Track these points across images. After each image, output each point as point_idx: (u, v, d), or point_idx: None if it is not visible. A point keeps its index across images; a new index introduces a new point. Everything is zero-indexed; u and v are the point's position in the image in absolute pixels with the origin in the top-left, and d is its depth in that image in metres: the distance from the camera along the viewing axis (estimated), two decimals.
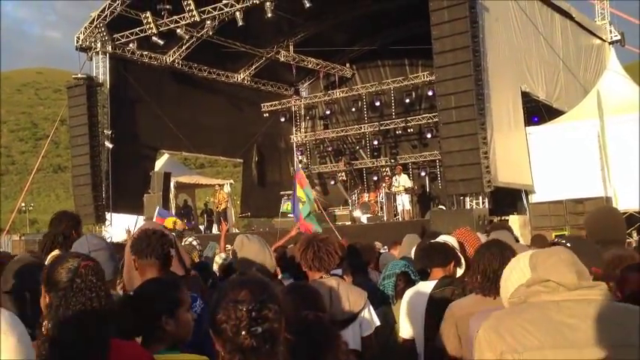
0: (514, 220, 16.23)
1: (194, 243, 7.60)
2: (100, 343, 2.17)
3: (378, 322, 3.98)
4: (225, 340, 1.91)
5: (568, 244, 2.89)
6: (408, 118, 25.45)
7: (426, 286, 4.31)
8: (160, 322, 2.63)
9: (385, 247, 9.59)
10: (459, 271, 4.38)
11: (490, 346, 2.04)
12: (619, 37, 23.76)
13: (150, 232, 3.49)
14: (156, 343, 2.62)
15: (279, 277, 5.20)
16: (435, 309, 3.97)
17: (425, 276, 4.63)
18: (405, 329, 4.43)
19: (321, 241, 3.93)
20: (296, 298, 2.80)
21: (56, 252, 4.34)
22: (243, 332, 1.89)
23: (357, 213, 23.14)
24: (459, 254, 4.41)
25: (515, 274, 2.20)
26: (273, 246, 5.71)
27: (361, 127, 27.02)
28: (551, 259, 2.12)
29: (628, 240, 9.26)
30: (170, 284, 2.88)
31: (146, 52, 23.13)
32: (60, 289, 2.28)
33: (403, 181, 21.49)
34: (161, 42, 21.84)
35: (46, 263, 3.88)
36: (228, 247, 7.02)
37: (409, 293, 4.51)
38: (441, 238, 4.59)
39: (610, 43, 23.60)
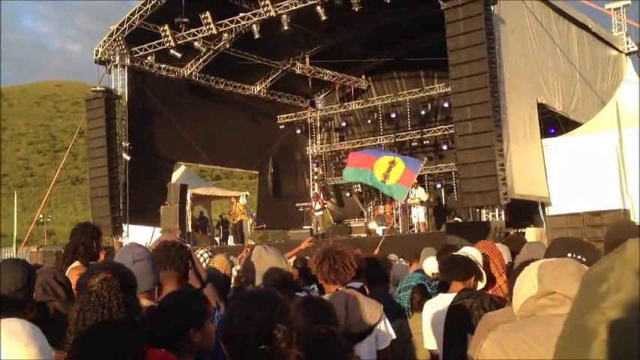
0: (530, 233, 16.09)
1: (205, 255, 7.60)
2: (117, 355, 2.18)
3: (394, 336, 3.97)
4: (234, 354, 1.93)
5: (579, 257, 2.84)
6: (424, 130, 25.41)
7: (445, 299, 4.29)
8: (188, 334, 2.63)
9: (401, 259, 9.57)
10: (480, 285, 4.34)
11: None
12: (636, 48, 23.59)
13: (169, 245, 3.52)
14: (184, 354, 2.63)
15: (303, 289, 5.20)
16: (453, 321, 3.96)
17: (444, 288, 4.60)
18: (430, 341, 4.42)
19: (337, 254, 3.91)
20: (308, 312, 2.79)
21: (77, 263, 4.40)
22: (251, 349, 1.90)
23: (372, 225, 23.11)
24: (481, 268, 4.36)
25: (526, 284, 2.14)
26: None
27: (377, 139, 26.99)
28: (558, 271, 2.07)
29: None
30: (196, 296, 2.90)
31: (164, 65, 23.34)
32: (78, 303, 2.31)
33: (419, 193, 21.43)
34: (179, 55, 22.04)
35: (67, 274, 3.93)
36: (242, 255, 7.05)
37: (429, 305, 4.50)
38: (464, 251, 4.53)
39: (627, 54, 23.45)
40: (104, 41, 22.23)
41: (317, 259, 3.96)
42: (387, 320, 3.96)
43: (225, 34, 21.27)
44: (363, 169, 13.69)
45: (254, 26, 20.27)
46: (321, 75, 26.40)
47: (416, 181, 23.00)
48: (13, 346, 1.60)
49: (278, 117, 27.76)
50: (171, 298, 2.86)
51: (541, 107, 18.22)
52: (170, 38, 21.14)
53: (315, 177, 29.05)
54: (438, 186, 24.94)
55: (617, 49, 23.31)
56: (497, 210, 16.40)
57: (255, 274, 4.16)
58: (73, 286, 3.29)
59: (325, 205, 24.18)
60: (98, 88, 22.20)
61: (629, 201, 15.94)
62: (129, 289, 2.48)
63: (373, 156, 13.96)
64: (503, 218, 16.39)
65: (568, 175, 17.12)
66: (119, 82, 22.62)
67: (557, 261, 2.19)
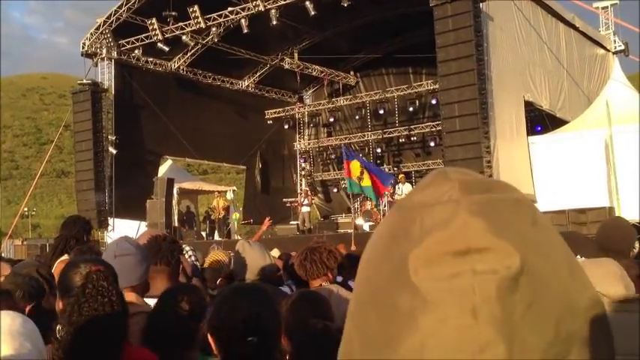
0: None
1: (190, 251, 7.57)
2: (112, 348, 2.16)
3: None
4: (221, 346, 1.91)
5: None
6: (412, 127, 25.46)
7: None
8: (199, 328, 2.61)
9: None
10: None
11: None
12: (623, 47, 23.78)
13: (160, 239, 3.50)
14: (194, 348, 2.60)
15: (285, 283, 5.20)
16: None
17: None
18: None
19: (311, 250, 3.96)
20: (304, 305, 2.79)
21: (65, 257, 4.36)
22: (238, 341, 1.89)
23: (359, 221, 23.10)
24: None
25: None
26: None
27: (365, 135, 27.03)
28: (600, 270, 2.10)
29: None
30: (197, 289, 2.89)
31: (151, 59, 23.20)
32: (72, 295, 2.28)
33: (406, 189, 21.46)
34: (166, 48, 21.91)
35: (54, 268, 3.89)
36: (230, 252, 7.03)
37: None
38: None
39: (614, 53, 23.61)
40: (91, 34, 22.06)
41: (299, 255, 4.04)
42: None
43: (214, 28, 21.17)
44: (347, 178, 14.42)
45: (243, 20, 20.20)
46: (310, 70, 26.37)
47: (403, 175, 23.12)
48: (10, 344, 1.58)
49: (266, 112, 27.70)
50: (174, 291, 2.82)
51: (528, 105, 18.32)
52: (158, 31, 21.02)
53: (303, 172, 29.05)
54: None
55: (605, 48, 23.46)
56: None
57: (246, 269, 4.15)
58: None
59: (313, 201, 24.18)
60: (85, 81, 22.04)
61: (615, 198, 16.06)
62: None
63: (349, 160, 14.50)
64: None
65: (554, 172, 17.21)
66: (106, 75, 22.46)
67: (598, 261, 2.21)
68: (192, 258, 7.80)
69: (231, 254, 7.24)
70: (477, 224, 0.55)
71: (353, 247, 10.83)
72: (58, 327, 2.24)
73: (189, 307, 2.62)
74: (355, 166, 14.39)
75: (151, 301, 3.33)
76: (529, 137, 18.08)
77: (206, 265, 6.43)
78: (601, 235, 4.57)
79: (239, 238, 22.13)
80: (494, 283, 0.54)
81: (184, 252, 7.36)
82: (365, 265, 0.64)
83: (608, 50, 23.60)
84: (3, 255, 20.33)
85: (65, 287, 2.33)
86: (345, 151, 16.46)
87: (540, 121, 19.86)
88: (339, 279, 4.94)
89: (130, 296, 2.91)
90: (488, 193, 0.59)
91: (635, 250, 4.62)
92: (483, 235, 0.55)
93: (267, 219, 8.85)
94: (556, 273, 0.58)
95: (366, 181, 14.28)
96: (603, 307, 0.61)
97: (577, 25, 21.43)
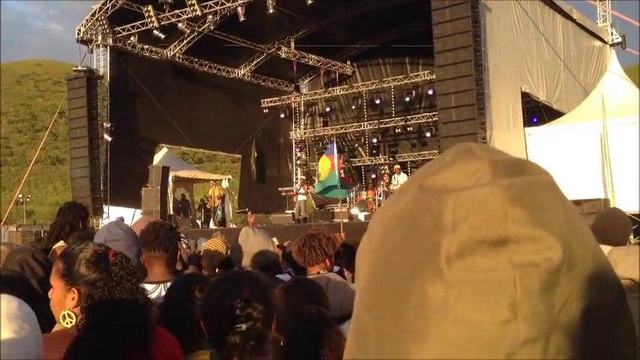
0: None
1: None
2: (146, 331, 2.14)
3: None
4: (211, 333, 1.91)
5: None
6: (408, 117, 25.44)
7: None
8: None
9: None
10: None
11: None
12: (620, 40, 23.77)
13: (158, 225, 3.50)
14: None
15: (284, 271, 5.21)
16: None
17: None
18: None
19: (309, 237, 3.97)
20: (299, 292, 2.79)
21: (61, 243, 4.34)
22: (227, 328, 1.89)
23: (354, 210, 23.11)
24: None
25: None
26: None
27: (361, 125, 27.01)
28: (633, 258, 2.09)
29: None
30: (205, 278, 2.88)
31: (147, 46, 23.10)
32: (97, 280, 2.24)
33: (402, 179, 21.47)
34: (162, 36, 21.82)
35: (50, 254, 3.87)
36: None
37: None
38: None
39: (611, 46, 23.60)
40: (86, 20, 21.93)
41: (297, 243, 4.03)
42: None
43: (210, 16, 21.08)
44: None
45: (239, 8, 20.11)
46: (306, 60, 26.29)
47: (398, 167, 23.12)
48: (8, 326, 1.56)
49: (262, 101, 27.63)
50: (184, 281, 2.80)
51: (524, 96, 18.30)
52: (154, 19, 20.90)
53: (299, 162, 29.04)
54: None
55: (602, 40, 23.45)
56: None
57: (243, 256, 4.14)
58: None
59: (309, 190, 24.16)
60: (80, 68, 21.92)
61: (610, 190, 16.10)
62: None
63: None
64: None
65: (550, 164, 16.94)
66: (101, 62, 22.35)
67: (629, 248, 2.20)
68: (184, 246, 7.80)
69: (229, 243, 7.26)
70: (516, 212, 0.51)
71: (342, 236, 10.84)
72: (64, 313, 2.22)
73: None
74: (325, 162, 14.41)
75: (149, 287, 3.32)
76: (525, 128, 18.09)
77: (202, 252, 6.45)
78: (597, 225, 4.58)
79: (234, 226, 22.17)
80: (536, 276, 0.50)
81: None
82: (379, 251, 0.59)
83: (606, 42, 23.60)
84: (1, 240, 20.31)
85: (77, 274, 2.29)
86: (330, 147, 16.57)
87: (537, 113, 19.86)
88: (336, 269, 4.95)
89: None
90: (522, 176, 0.55)
91: (631, 241, 4.63)
92: (524, 223, 0.52)
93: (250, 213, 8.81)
94: (590, 262, 0.54)
95: (324, 173, 14.33)
96: (625, 295, 0.57)
97: (574, 17, 21.40)
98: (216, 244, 6.22)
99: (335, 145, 16.90)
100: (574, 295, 0.51)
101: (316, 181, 14.41)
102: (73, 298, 2.27)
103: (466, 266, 0.51)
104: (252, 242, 4.14)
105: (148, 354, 2.09)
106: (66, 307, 2.27)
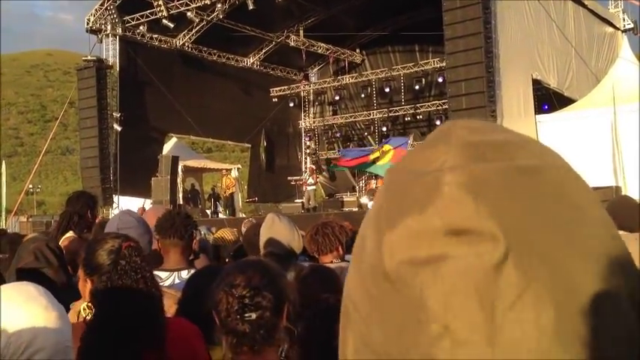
0: None
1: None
2: (151, 323, 2.13)
3: None
4: (221, 322, 1.92)
5: None
6: (418, 105, 25.36)
7: None
8: None
9: None
10: None
11: None
12: (632, 26, 23.52)
13: (174, 213, 3.52)
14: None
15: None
16: None
17: None
18: None
19: (322, 225, 4.00)
20: (316, 280, 2.78)
21: (70, 233, 4.35)
22: (236, 317, 1.88)
23: (364, 199, 23.08)
24: None
25: None
26: None
27: (370, 113, 26.94)
28: (631, 247, 2.06)
29: None
30: (219, 270, 2.87)
31: (156, 35, 23.09)
32: (104, 272, 2.24)
33: None
34: (171, 25, 21.80)
35: (60, 243, 3.88)
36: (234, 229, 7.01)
37: None
38: None
39: (623, 32, 23.37)
40: (96, 10, 21.93)
41: (308, 232, 4.06)
42: None
43: (219, 5, 21.03)
44: (362, 163, 14.35)
45: None
46: (315, 48, 26.20)
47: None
48: (34, 309, 1.59)
49: (271, 90, 27.60)
50: (205, 273, 2.78)
51: (535, 83, 18.17)
52: (163, 8, 20.89)
53: (308, 151, 29.02)
54: None
55: (614, 26, 23.22)
56: None
57: (258, 244, 4.12)
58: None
59: (318, 180, 24.15)
60: (89, 58, 21.95)
61: (621, 177, 16.00)
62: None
63: (365, 155, 14.53)
64: None
65: (561, 151, 16.93)
66: (110, 51, 22.37)
67: (628, 235, 2.15)
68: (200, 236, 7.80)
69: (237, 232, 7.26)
70: (461, 201, 0.47)
71: (347, 224, 10.84)
72: (84, 306, 2.22)
73: None
74: (374, 153, 14.29)
75: (164, 274, 3.32)
76: (537, 116, 17.98)
77: (210, 241, 6.45)
78: (609, 213, 4.54)
79: (243, 215, 22.19)
80: (472, 272, 0.45)
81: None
82: (357, 237, 0.56)
83: (617, 28, 23.36)
84: (8, 231, 20.40)
85: (93, 265, 2.29)
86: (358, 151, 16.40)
87: (548, 100, 19.73)
88: (349, 257, 4.93)
89: None
90: (486, 162, 0.49)
91: None
92: (467, 214, 0.47)
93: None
94: (557, 254, 0.47)
95: (386, 159, 14.26)
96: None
97: (586, 3, 21.19)
98: (225, 233, 6.21)
99: (409, 140, 16.49)
100: (529, 294, 0.45)
101: (372, 159, 14.16)
102: (90, 290, 2.28)
103: (403, 259, 0.48)
104: (278, 229, 4.12)
105: (160, 344, 2.08)
106: (86, 298, 2.27)
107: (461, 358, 0.45)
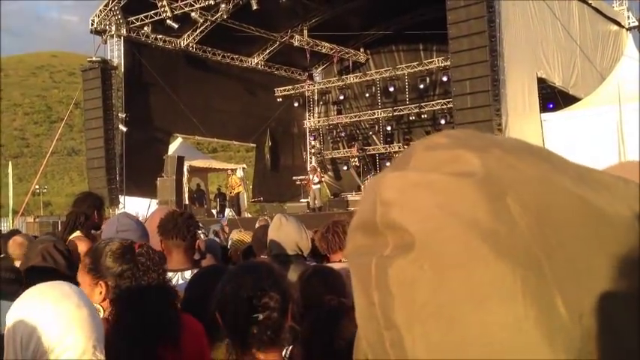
0: None
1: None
2: (174, 319, 2.17)
3: None
4: (227, 324, 1.92)
5: None
6: (422, 104, 25.32)
7: None
8: None
9: None
10: None
11: None
12: (637, 23, 23.44)
13: (177, 214, 3.52)
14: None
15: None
16: None
17: None
18: None
19: (333, 223, 4.00)
20: (319, 281, 2.78)
21: (78, 233, 4.38)
22: (243, 318, 1.89)
23: None
24: None
25: None
26: None
27: (374, 113, 26.92)
28: None
29: None
30: (221, 270, 2.90)
31: (160, 36, 23.13)
32: (124, 271, 2.27)
33: None
34: (175, 25, 21.82)
35: (67, 242, 3.90)
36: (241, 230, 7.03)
37: None
38: None
39: (628, 29, 23.29)
40: (100, 11, 21.98)
41: (320, 230, 4.06)
42: None
43: (223, 5, 21.04)
44: None
45: None
46: (320, 48, 26.20)
47: None
48: (68, 307, 1.66)
49: (275, 90, 27.60)
50: (206, 273, 2.80)
51: (540, 82, 18.12)
52: (167, 8, 20.92)
53: (313, 150, 29.02)
54: None
55: (619, 24, 23.15)
56: None
57: (267, 244, 4.13)
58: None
59: (322, 179, 24.15)
60: (94, 59, 22.01)
61: None
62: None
63: None
64: None
65: (566, 150, 16.96)
66: (115, 52, 22.41)
67: None
68: (201, 235, 7.83)
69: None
70: (387, 199, 0.50)
71: None
72: (104, 306, 2.25)
73: None
74: None
75: (167, 275, 3.34)
76: (542, 114, 17.93)
77: (229, 244, 6.48)
78: None
79: (249, 215, 22.22)
80: (388, 265, 0.48)
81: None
82: None
83: (622, 26, 23.29)
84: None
85: (103, 268, 2.31)
86: None
87: (552, 99, 19.67)
88: None
89: None
90: (404, 171, 0.51)
91: None
92: (386, 212, 0.49)
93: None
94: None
95: None
96: None
97: (590, 1, 21.13)
98: (242, 236, 6.25)
99: None
100: (440, 285, 0.47)
101: None
102: (101, 292, 2.31)
103: (349, 248, 0.53)
104: (285, 230, 4.12)
105: (177, 341, 2.11)
106: (94, 302, 2.30)
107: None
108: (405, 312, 0.47)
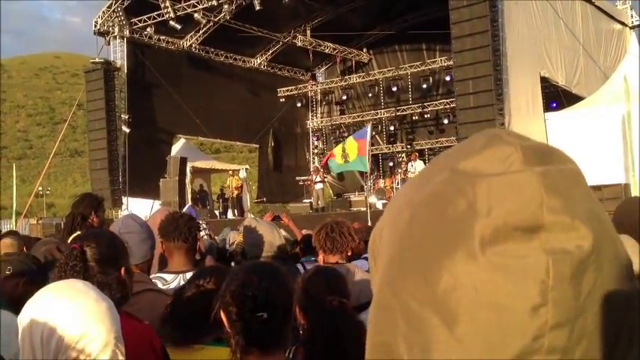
0: None
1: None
2: None
3: None
4: (232, 322, 1.92)
5: None
6: (425, 104, 25.32)
7: None
8: None
9: None
10: None
11: None
12: None
13: (177, 216, 3.51)
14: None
15: (303, 259, 5.18)
16: None
17: None
18: None
19: (336, 224, 3.95)
20: (320, 281, 2.77)
21: (78, 233, 4.37)
22: (248, 316, 1.89)
23: (372, 199, 23.08)
24: None
25: None
26: None
27: (377, 113, 26.91)
28: (629, 244, 2.06)
29: None
30: (224, 271, 2.88)
31: (163, 37, 23.16)
32: (55, 273, 2.30)
33: (419, 166, 21.36)
34: (178, 26, 21.85)
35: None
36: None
37: None
38: None
39: (631, 28, 23.25)
40: (103, 12, 22.02)
41: (316, 230, 4.01)
42: None
43: (226, 6, 21.06)
44: (331, 159, 14.45)
45: None
46: (322, 48, 26.20)
47: (416, 153, 23.01)
48: (86, 302, 1.71)
49: (278, 90, 27.62)
50: (204, 274, 2.78)
51: (543, 81, 18.10)
52: (170, 9, 20.94)
53: (316, 150, 29.02)
54: None
55: (622, 23, 23.10)
56: None
57: (258, 246, 4.12)
58: None
59: (325, 179, 24.15)
60: (97, 60, 22.04)
61: (631, 175, 15.90)
62: (108, 261, 2.40)
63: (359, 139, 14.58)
64: None
65: (570, 149, 16.45)
66: (118, 53, 22.44)
67: (625, 237, 2.14)
68: (205, 235, 7.84)
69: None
70: (551, 200, 0.53)
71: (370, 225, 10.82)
72: None
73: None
74: (337, 149, 14.49)
75: (168, 277, 3.33)
76: (545, 113, 17.91)
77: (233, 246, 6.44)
78: (619, 215, 4.50)
79: (251, 216, 22.22)
80: (568, 263, 0.51)
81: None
82: (407, 234, 0.58)
83: (625, 25, 23.24)
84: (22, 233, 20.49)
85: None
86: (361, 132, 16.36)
87: (556, 98, 19.65)
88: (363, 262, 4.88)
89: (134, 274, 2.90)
90: (554, 164, 0.56)
91: None
92: (558, 211, 0.53)
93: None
94: (612, 253, 0.55)
95: (352, 155, 14.32)
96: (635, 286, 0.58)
97: (593, 0, 21.10)
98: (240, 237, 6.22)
99: (369, 129, 16.60)
100: (598, 283, 0.53)
101: (336, 160, 14.29)
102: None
103: (500, 251, 0.52)
104: (258, 233, 4.13)
105: None
106: None
107: (552, 337, 0.51)
108: (576, 304, 0.53)
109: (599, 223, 0.55)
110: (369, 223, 11.00)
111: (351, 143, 14.84)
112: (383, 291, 0.59)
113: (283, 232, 5.10)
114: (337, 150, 14.46)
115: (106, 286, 2.15)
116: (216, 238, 7.73)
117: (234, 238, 6.49)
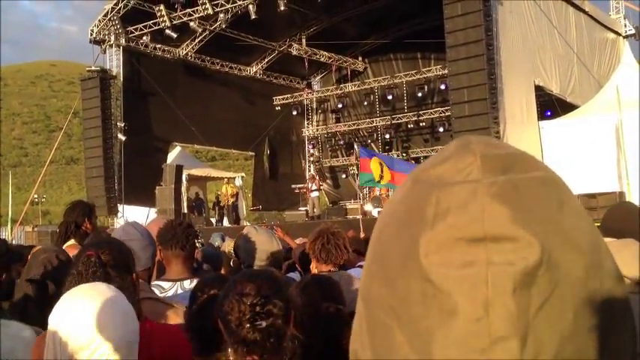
0: None
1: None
2: None
3: None
4: (230, 332, 1.92)
5: None
6: (420, 112, 25.37)
7: None
8: None
9: None
10: None
11: None
12: (633, 31, 23.54)
13: (175, 224, 3.50)
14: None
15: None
16: None
17: None
18: None
19: (332, 234, 3.90)
20: (316, 289, 2.79)
21: (72, 241, 4.39)
22: (247, 325, 1.89)
23: (368, 207, 23.09)
24: None
25: None
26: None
27: (373, 121, 26.96)
28: (627, 251, 2.05)
29: None
30: (224, 278, 2.90)
31: (159, 45, 23.18)
32: (67, 281, 2.33)
33: None
34: (174, 35, 21.88)
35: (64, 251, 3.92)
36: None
37: None
38: None
39: (624, 37, 23.38)
40: (99, 21, 22.04)
41: (312, 237, 3.97)
42: None
43: (222, 15, 21.10)
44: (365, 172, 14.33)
45: (250, 6, 20.12)
46: (318, 56, 26.27)
47: (413, 162, 23.04)
48: (101, 305, 1.77)
49: (274, 98, 27.65)
50: (208, 282, 2.80)
51: (538, 89, 18.18)
52: (166, 18, 20.98)
53: (311, 158, 29.05)
54: None
55: (616, 32, 23.24)
56: None
57: (249, 255, 4.13)
58: None
59: (321, 187, 24.16)
60: (93, 68, 22.05)
61: (625, 183, 15.96)
62: (123, 266, 2.43)
63: (366, 158, 14.52)
64: None
65: (564, 157, 17.06)
66: (114, 62, 22.46)
67: (626, 241, 2.12)
68: (198, 244, 7.77)
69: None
70: (496, 210, 0.52)
71: (362, 234, 10.81)
72: None
73: None
74: (375, 165, 14.35)
75: (166, 285, 3.34)
76: (539, 122, 17.97)
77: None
78: (608, 220, 4.52)
79: (247, 224, 22.20)
80: (510, 275, 0.50)
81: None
82: (377, 241, 0.59)
83: (619, 34, 23.38)
84: (14, 242, 20.45)
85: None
86: (361, 150, 16.25)
87: (550, 106, 19.72)
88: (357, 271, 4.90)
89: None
90: (511, 174, 0.54)
91: None
92: (502, 222, 0.52)
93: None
94: (578, 262, 0.53)
95: (386, 178, 14.28)
96: (626, 294, 0.56)
97: (587, 9, 21.22)
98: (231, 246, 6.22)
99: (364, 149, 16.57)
100: (555, 296, 0.51)
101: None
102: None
103: (443, 261, 0.52)
104: (256, 241, 4.14)
105: None
106: None
107: (497, 351, 0.50)
108: (524, 317, 0.52)
109: (557, 233, 0.53)
110: (362, 232, 11.00)
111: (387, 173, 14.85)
112: (358, 298, 0.61)
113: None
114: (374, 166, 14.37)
115: (126, 291, 2.17)
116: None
117: (224, 247, 6.50)
